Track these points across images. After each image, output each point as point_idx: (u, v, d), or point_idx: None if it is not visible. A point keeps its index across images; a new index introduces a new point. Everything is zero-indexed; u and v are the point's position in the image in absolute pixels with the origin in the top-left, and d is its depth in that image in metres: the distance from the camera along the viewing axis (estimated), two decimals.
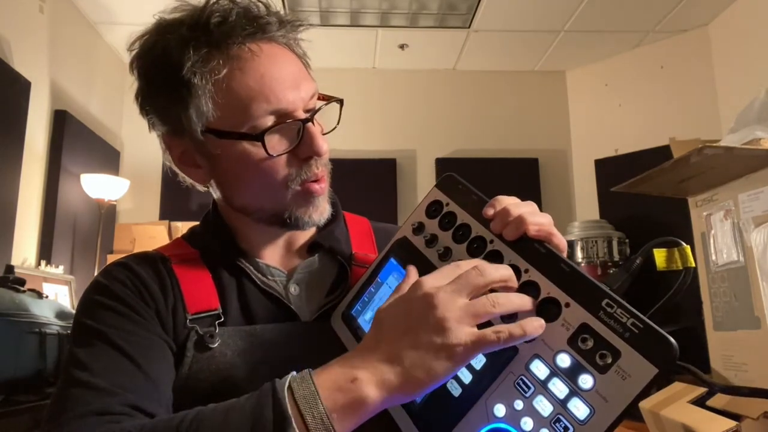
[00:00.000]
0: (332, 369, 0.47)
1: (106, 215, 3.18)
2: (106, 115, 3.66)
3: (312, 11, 3.33)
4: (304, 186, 0.65)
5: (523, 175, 3.94)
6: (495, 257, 0.52)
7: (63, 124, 3.01)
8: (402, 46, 3.77)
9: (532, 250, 0.50)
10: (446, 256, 0.56)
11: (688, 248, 0.54)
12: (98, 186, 3.04)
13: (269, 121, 0.61)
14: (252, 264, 0.69)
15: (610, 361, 0.42)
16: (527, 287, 0.49)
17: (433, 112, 4.03)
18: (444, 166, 3.94)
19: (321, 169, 0.66)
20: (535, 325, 0.45)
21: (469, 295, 0.47)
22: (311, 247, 0.73)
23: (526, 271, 0.50)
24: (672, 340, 0.40)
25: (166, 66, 0.62)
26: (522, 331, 0.45)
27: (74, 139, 3.11)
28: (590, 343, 0.43)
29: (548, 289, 0.47)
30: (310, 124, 0.63)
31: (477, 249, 0.54)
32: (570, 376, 0.43)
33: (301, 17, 0.69)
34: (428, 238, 0.58)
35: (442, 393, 0.48)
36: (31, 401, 1.61)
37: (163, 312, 0.63)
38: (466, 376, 0.48)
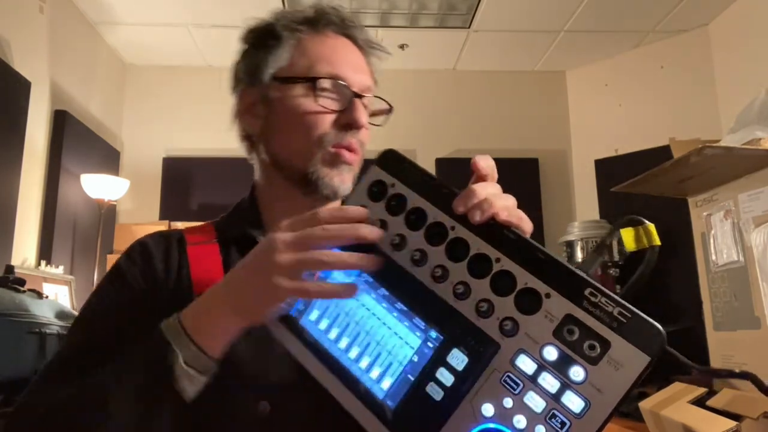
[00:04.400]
0: (194, 305, 0.55)
1: (106, 215, 3.18)
2: (106, 115, 3.66)
3: None
4: (336, 149, 0.71)
5: (523, 175, 3.94)
6: (459, 246, 0.48)
7: (63, 124, 3.01)
8: (402, 46, 3.77)
9: (502, 237, 0.47)
10: (402, 246, 0.50)
11: (651, 226, 0.52)
12: (98, 186, 3.04)
13: (327, 82, 0.71)
14: None
15: (599, 351, 0.41)
16: (501, 278, 0.45)
17: (433, 112, 4.04)
18: (444, 166, 3.94)
19: (355, 142, 0.72)
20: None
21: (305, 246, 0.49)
22: None
23: (498, 260, 0.46)
24: (660, 326, 0.40)
25: (267, 27, 0.75)
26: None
27: (74, 139, 3.11)
28: (577, 334, 0.42)
29: (525, 279, 0.45)
30: (357, 99, 0.71)
31: (437, 236, 0.49)
32: (560, 369, 0.42)
33: (382, 47, 0.81)
34: (377, 225, 0.52)
35: (421, 398, 0.46)
36: None
37: (164, 292, 0.68)
38: (447, 378, 0.45)
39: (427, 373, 0.46)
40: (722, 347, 1.29)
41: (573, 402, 0.41)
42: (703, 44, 3.50)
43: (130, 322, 0.65)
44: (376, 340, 0.49)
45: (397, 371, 0.47)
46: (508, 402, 0.42)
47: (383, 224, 0.51)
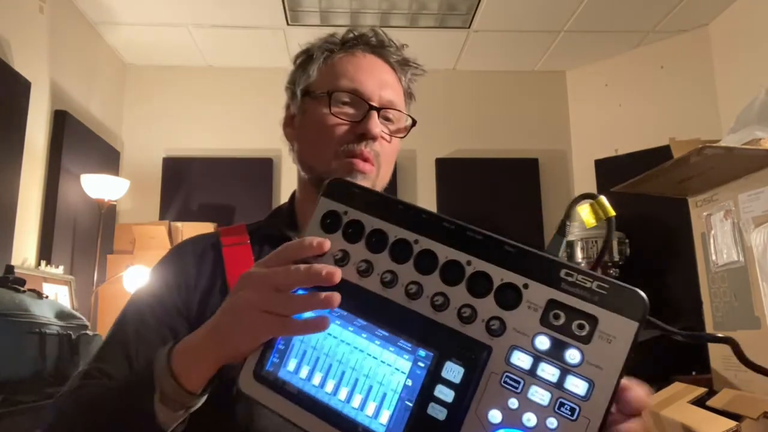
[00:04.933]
0: (185, 339, 0.56)
1: (106, 215, 3.18)
2: (106, 115, 3.66)
3: (312, 11, 3.33)
4: (350, 158, 0.77)
5: (523, 175, 3.94)
6: (427, 257, 0.48)
7: (63, 124, 3.01)
8: (402, 46, 3.77)
9: (467, 239, 0.47)
10: (369, 271, 0.49)
11: (602, 198, 0.54)
12: (98, 186, 3.04)
13: (345, 95, 0.78)
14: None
15: (589, 329, 0.41)
16: (476, 280, 0.45)
17: (433, 112, 4.03)
18: (444, 166, 3.94)
19: (369, 151, 0.77)
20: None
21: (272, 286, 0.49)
22: None
23: (469, 263, 0.46)
24: (640, 291, 0.41)
25: (307, 49, 0.84)
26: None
27: (74, 139, 3.11)
28: (563, 318, 0.42)
29: (500, 275, 0.45)
30: (374, 111, 0.77)
31: (402, 253, 0.48)
32: (556, 356, 0.42)
33: (419, 64, 0.88)
34: (338, 256, 0.50)
35: (425, 422, 0.44)
36: (31, 401, 1.61)
37: (197, 292, 0.75)
38: (446, 395, 0.43)
39: (425, 395, 0.44)
40: (722, 347, 1.29)
41: (577, 385, 0.40)
42: (703, 44, 3.50)
43: (160, 320, 0.72)
44: (363, 374, 0.46)
45: (393, 400, 0.45)
46: (513, 403, 0.41)
47: (345, 255, 0.50)
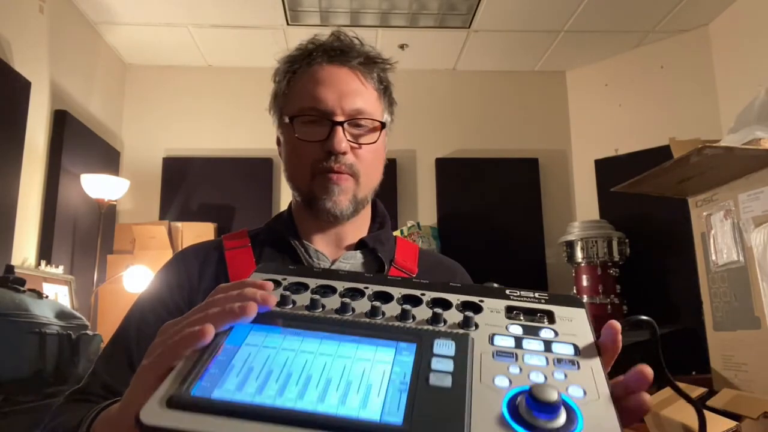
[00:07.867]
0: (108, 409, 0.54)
1: (106, 215, 3.18)
2: (106, 115, 3.66)
3: (312, 11, 3.33)
4: (325, 175, 0.78)
5: (523, 175, 3.94)
6: (381, 295, 0.50)
7: (63, 124, 3.01)
8: (402, 46, 3.77)
9: (415, 284, 0.52)
10: (317, 307, 0.48)
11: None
12: (98, 186, 3.04)
13: (308, 116, 0.79)
14: (303, 246, 0.83)
15: (549, 317, 0.47)
16: (435, 302, 0.49)
17: (433, 112, 4.04)
18: (444, 166, 3.94)
19: (339, 165, 0.78)
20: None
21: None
22: (358, 245, 0.86)
23: (423, 294, 0.50)
24: (572, 294, 0.44)
25: (277, 69, 0.85)
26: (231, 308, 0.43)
27: (74, 139, 3.11)
28: (523, 315, 0.48)
29: (456, 297, 0.50)
30: (338, 126, 0.77)
31: (354, 297, 0.49)
32: (533, 334, 0.45)
33: (386, 58, 0.87)
34: (279, 300, 0.48)
35: (431, 392, 0.39)
36: (31, 401, 1.61)
37: (200, 294, 0.76)
38: (446, 365, 0.41)
39: (422, 370, 0.40)
40: (722, 347, 1.29)
41: (564, 348, 0.43)
42: (703, 44, 3.50)
43: (162, 319, 0.72)
44: (338, 374, 0.40)
45: (382, 388, 0.39)
46: (515, 369, 0.41)
47: (289, 299, 0.48)
